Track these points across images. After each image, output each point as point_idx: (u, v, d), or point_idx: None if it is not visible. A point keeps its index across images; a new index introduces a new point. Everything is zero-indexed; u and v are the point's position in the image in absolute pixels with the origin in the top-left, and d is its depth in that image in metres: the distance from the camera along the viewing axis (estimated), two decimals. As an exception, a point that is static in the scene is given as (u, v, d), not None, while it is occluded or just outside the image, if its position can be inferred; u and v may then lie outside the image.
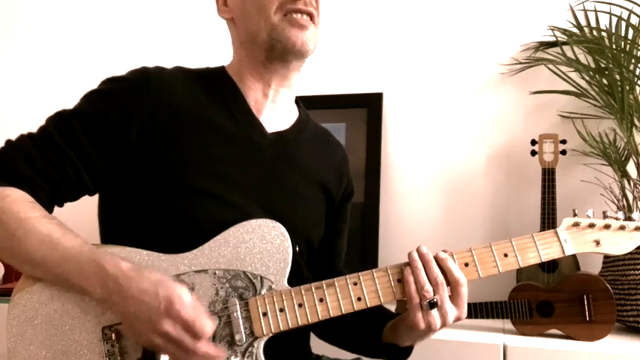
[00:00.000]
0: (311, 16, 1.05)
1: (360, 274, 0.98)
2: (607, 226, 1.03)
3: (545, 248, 1.01)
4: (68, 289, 0.93)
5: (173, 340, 0.85)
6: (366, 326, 1.09)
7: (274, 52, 1.05)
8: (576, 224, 1.03)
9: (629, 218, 1.05)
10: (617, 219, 1.04)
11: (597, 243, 1.03)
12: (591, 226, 1.03)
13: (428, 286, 0.95)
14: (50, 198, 0.99)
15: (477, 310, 1.48)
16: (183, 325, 0.85)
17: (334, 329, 1.14)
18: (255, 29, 1.05)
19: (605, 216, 1.05)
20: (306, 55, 1.07)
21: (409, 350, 1.07)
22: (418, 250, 0.98)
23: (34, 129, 1.01)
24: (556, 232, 1.02)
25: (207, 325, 0.87)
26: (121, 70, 1.06)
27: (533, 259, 1.01)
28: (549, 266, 1.60)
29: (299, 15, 1.04)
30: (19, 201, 0.93)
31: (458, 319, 0.98)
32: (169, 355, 0.89)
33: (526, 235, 1.01)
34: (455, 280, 0.96)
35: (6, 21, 2.30)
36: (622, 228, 1.03)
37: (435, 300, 0.95)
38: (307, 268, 1.10)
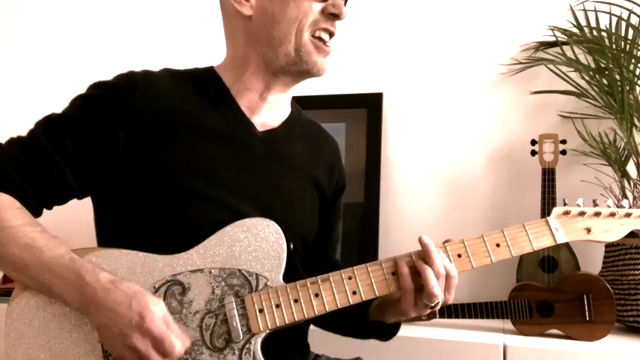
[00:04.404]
0: (332, 36, 1.07)
1: (354, 268, 0.99)
2: (597, 214, 1.04)
3: (536, 237, 1.02)
4: (48, 295, 0.94)
5: (142, 355, 0.87)
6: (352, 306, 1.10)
7: (294, 68, 1.05)
8: (567, 213, 1.04)
9: (619, 207, 1.05)
10: (607, 207, 1.05)
11: (588, 231, 1.03)
12: (581, 214, 1.04)
13: (437, 291, 0.95)
14: (38, 202, 1.00)
15: (477, 310, 1.48)
16: (153, 342, 0.87)
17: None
18: (281, 38, 1.03)
19: (595, 204, 1.05)
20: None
21: (397, 327, 1.09)
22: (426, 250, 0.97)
23: (25, 132, 1.02)
24: (547, 221, 1.03)
25: (177, 344, 0.88)
26: (114, 72, 1.06)
27: (525, 248, 1.01)
28: (549, 266, 1.60)
29: (326, 36, 1.06)
30: (5, 207, 0.95)
31: (444, 303, 1.00)
32: None
33: (517, 224, 1.02)
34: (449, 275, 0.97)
35: (4, 21, 2.30)
36: (612, 215, 1.04)
37: (438, 301, 0.96)
38: (302, 265, 1.10)
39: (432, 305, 0.97)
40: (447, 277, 0.97)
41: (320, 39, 1.05)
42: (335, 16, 1.05)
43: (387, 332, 1.10)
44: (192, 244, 0.97)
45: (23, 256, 0.92)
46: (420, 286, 0.97)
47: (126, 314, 0.87)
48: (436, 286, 0.95)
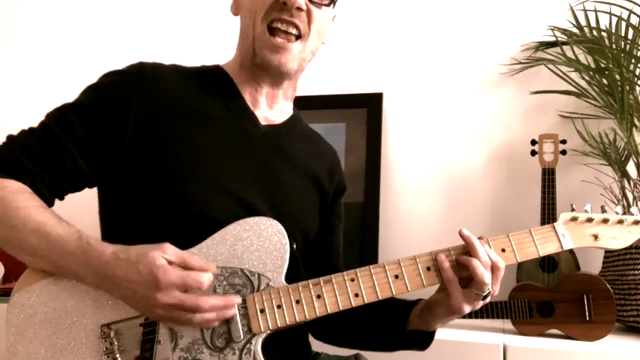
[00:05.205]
0: (297, 28, 1.04)
1: (357, 270, 0.98)
2: (605, 221, 1.03)
3: (542, 243, 1.01)
4: (65, 276, 0.94)
5: (175, 306, 0.86)
6: (387, 318, 1.10)
7: (255, 61, 1.06)
8: (574, 219, 1.03)
9: (627, 214, 1.05)
10: (615, 213, 1.04)
11: (595, 237, 1.03)
12: (589, 220, 1.03)
13: (487, 279, 0.95)
14: (51, 190, 1.00)
15: (477, 310, 1.46)
16: (178, 288, 0.86)
17: (345, 328, 1.14)
18: (245, 31, 1.08)
19: (603, 210, 1.04)
20: (286, 76, 1.08)
21: (433, 335, 1.08)
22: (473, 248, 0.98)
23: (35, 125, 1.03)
24: (554, 227, 1.02)
25: (201, 277, 0.87)
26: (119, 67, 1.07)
27: (531, 254, 1.00)
28: (549, 266, 1.60)
29: (283, 25, 1.03)
30: (17, 192, 0.95)
31: (492, 295, 1.00)
32: (182, 322, 0.89)
33: (524, 229, 1.01)
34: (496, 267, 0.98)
35: (6, 20, 2.30)
36: (620, 222, 1.03)
37: (489, 290, 0.97)
38: (304, 263, 1.10)
39: (484, 295, 0.97)
40: (495, 268, 0.97)
41: (275, 30, 1.03)
42: (285, 5, 1.02)
43: (425, 341, 1.08)
44: (195, 231, 0.96)
45: (35, 236, 0.92)
46: (465, 280, 0.97)
47: (140, 280, 0.87)
48: (486, 274, 0.95)
